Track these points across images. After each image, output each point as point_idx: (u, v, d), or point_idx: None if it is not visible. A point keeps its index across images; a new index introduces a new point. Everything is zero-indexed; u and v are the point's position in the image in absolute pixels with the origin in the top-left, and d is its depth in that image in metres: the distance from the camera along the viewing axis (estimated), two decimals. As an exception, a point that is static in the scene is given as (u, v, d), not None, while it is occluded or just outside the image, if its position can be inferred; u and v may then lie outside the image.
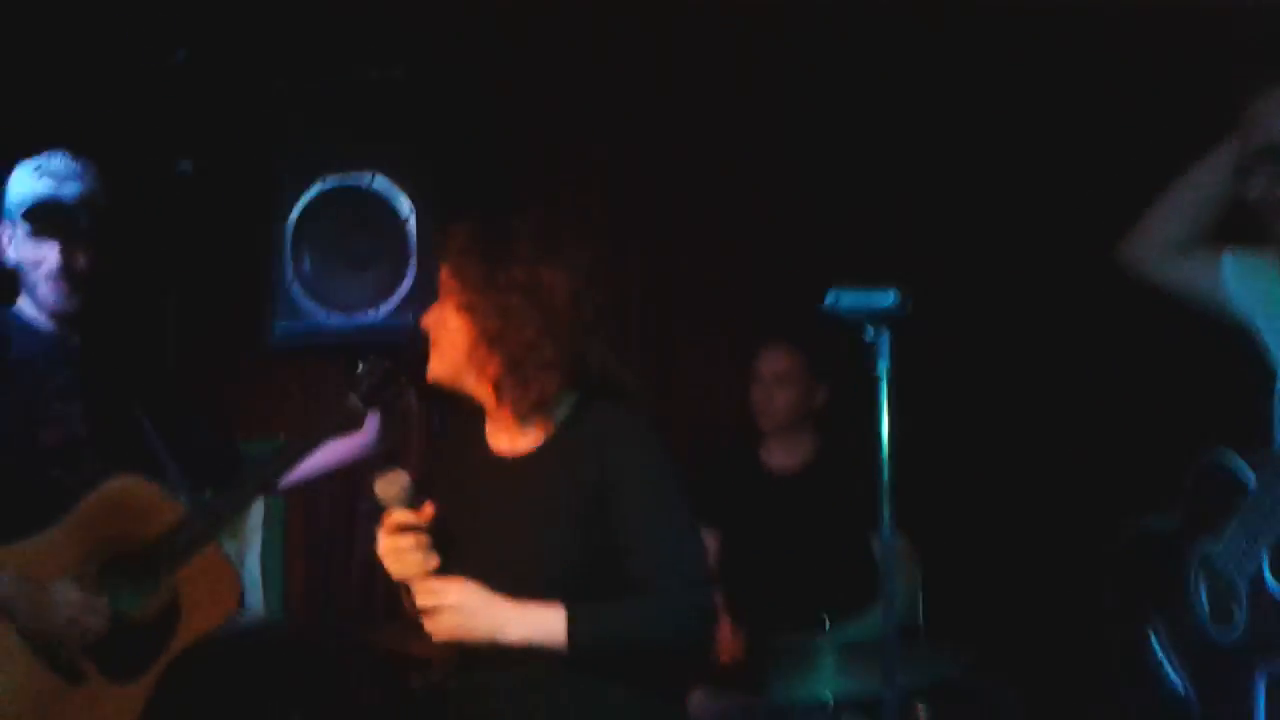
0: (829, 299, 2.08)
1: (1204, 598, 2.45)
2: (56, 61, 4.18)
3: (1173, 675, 2.53)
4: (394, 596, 4.07)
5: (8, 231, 3.10)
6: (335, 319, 4.04)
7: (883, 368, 2.07)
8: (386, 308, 3.99)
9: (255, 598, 4.41)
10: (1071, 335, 3.67)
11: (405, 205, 4.00)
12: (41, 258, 3.04)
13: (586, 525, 2.28)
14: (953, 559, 3.65)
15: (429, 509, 2.32)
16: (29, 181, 3.06)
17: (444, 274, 2.41)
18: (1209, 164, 2.65)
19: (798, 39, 3.94)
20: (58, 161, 3.09)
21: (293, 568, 4.45)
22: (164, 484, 3.08)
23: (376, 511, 2.32)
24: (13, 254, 3.09)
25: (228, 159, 4.44)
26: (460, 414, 2.48)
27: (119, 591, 2.95)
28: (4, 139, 3.89)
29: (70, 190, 3.06)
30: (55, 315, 3.07)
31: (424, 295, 3.94)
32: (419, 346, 2.43)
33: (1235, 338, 2.60)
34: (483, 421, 2.46)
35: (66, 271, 3.04)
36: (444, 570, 2.31)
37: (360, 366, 3.18)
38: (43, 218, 3.04)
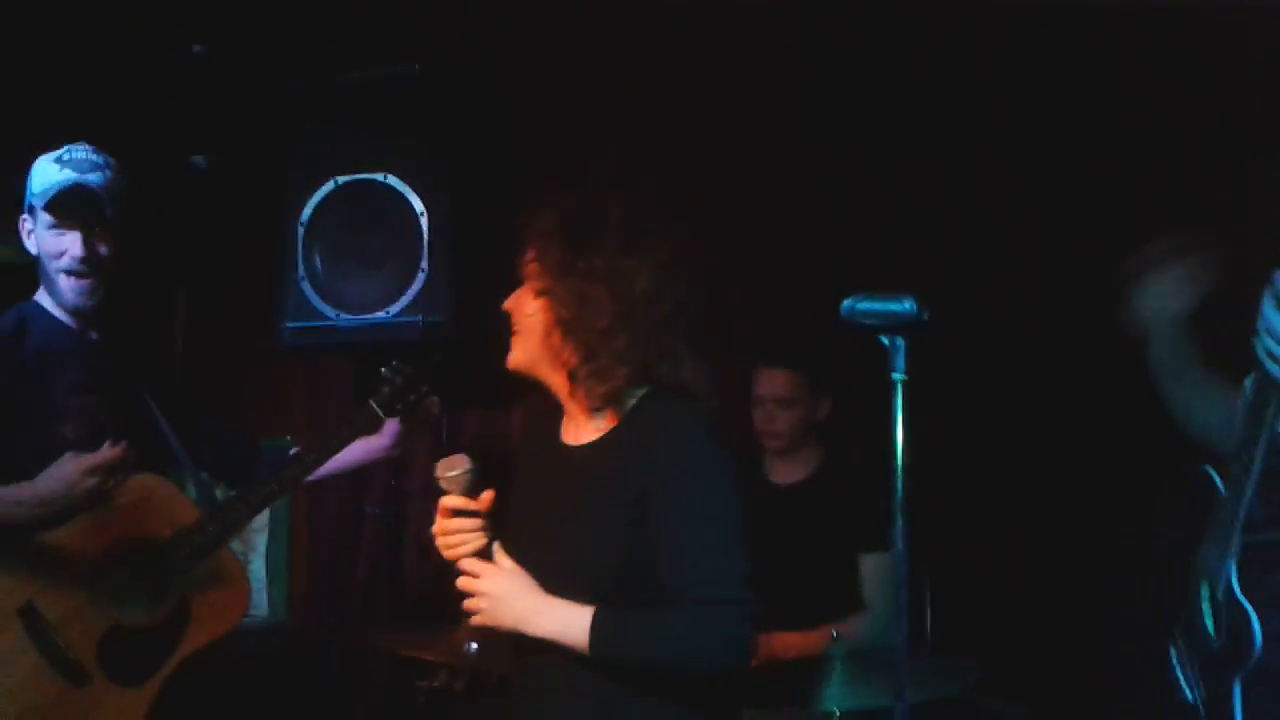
0: (845, 306, 2.05)
1: (1205, 607, 2.43)
2: (72, 56, 4.18)
3: (1185, 687, 2.49)
4: (399, 598, 4.14)
5: (28, 223, 3.08)
6: (346, 318, 4.03)
7: (899, 376, 2.03)
8: (397, 307, 3.98)
9: (260, 599, 4.40)
10: (1085, 346, 3.62)
11: (418, 203, 3.98)
12: (63, 248, 3.03)
13: (628, 527, 2.23)
14: (962, 571, 3.62)
15: (488, 496, 2.30)
16: (52, 171, 3.05)
17: (528, 260, 2.37)
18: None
19: (810, 43, 3.92)
20: (80, 152, 3.09)
21: (298, 569, 4.43)
22: (179, 477, 3.07)
23: (437, 493, 2.31)
24: (33, 245, 3.08)
25: (241, 155, 4.43)
26: (544, 403, 2.44)
27: (132, 591, 2.94)
28: (20, 133, 3.89)
29: (94, 179, 3.05)
30: (74, 309, 3.06)
31: (435, 295, 3.95)
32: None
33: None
34: (559, 412, 2.42)
35: (88, 261, 3.03)
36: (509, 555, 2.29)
37: (383, 371, 3.18)
38: (66, 206, 3.03)
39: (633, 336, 2.25)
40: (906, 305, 2.02)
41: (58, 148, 3.10)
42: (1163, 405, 3.49)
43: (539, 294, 2.32)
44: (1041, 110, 3.69)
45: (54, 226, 3.03)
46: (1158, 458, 3.39)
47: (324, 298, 4.05)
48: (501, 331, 4.12)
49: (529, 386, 4.14)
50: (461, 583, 2.28)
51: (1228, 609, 2.34)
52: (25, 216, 3.10)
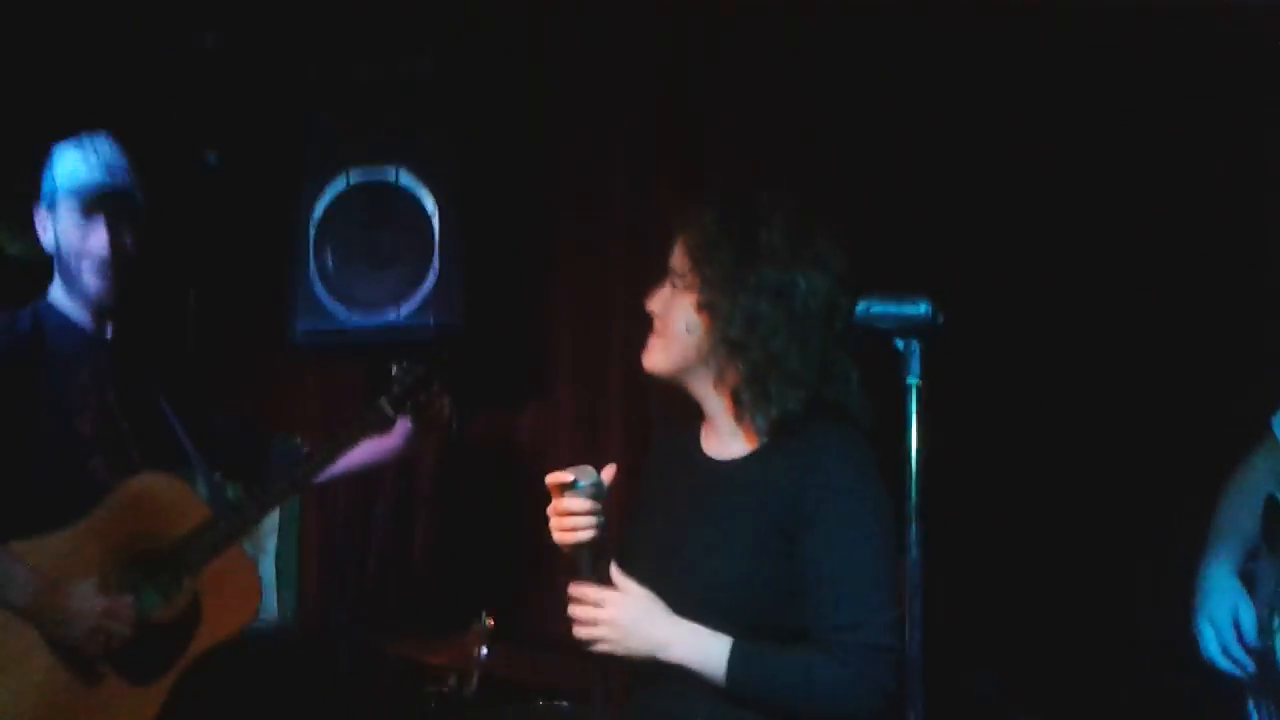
0: (859, 309, 2.00)
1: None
2: (82, 49, 4.16)
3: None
4: (408, 601, 4.13)
5: (45, 217, 3.05)
6: (357, 317, 4.00)
7: (913, 379, 1.99)
8: (409, 306, 3.95)
9: (269, 600, 4.38)
10: (1103, 349, 3.59)
11: (430, 203, 3.95)
12: (90, 245, 3.00)
13: (772, 556, 2.13)
14: (976, 578, 3.58)
15: (610, 472, 2.21)
16: (79, 163, 3.02)
17: (681, 261, 2.24)
18: None
19: (821, 43, 3.88)
20: (105, 145, 3.06)
21: (307, 570, 4.42)
22: (190, 475, 3.05)
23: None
24: (53, 240, 3.04)
25: (253, 152, 4.41)
26: (676, 410, 2.37)
27: (142, 590, 2.93)
28: (28, 127, 3.88)
29: (123, 175, 3.04)
30: (98, 306, 3.04)
31: (446, 295, 3.93)
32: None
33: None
34: (699, 420, 2.33)
35: (118, 256, 3.01)
36: (628, 570, 2.20)
37: (394, 370, 3.16)
38: (100, 200, 3.00)
39: (806, 358, 2.14)
40: (921, 308, 1.97)
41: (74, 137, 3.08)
42: (1180, 409, 3.47)
43: (702, 308, 2.19)
44: (1061, 110, 3.64)
45: (83, 222, 3.00)
46: (1178, 462, 3.39)
47: (335, 297, 4.02)
48: (523, 330, 4.15)
49: (540, 387, 4.19)
50: (577, 611, 2.15)
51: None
52: (43, 210, 3.06)
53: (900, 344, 1.97)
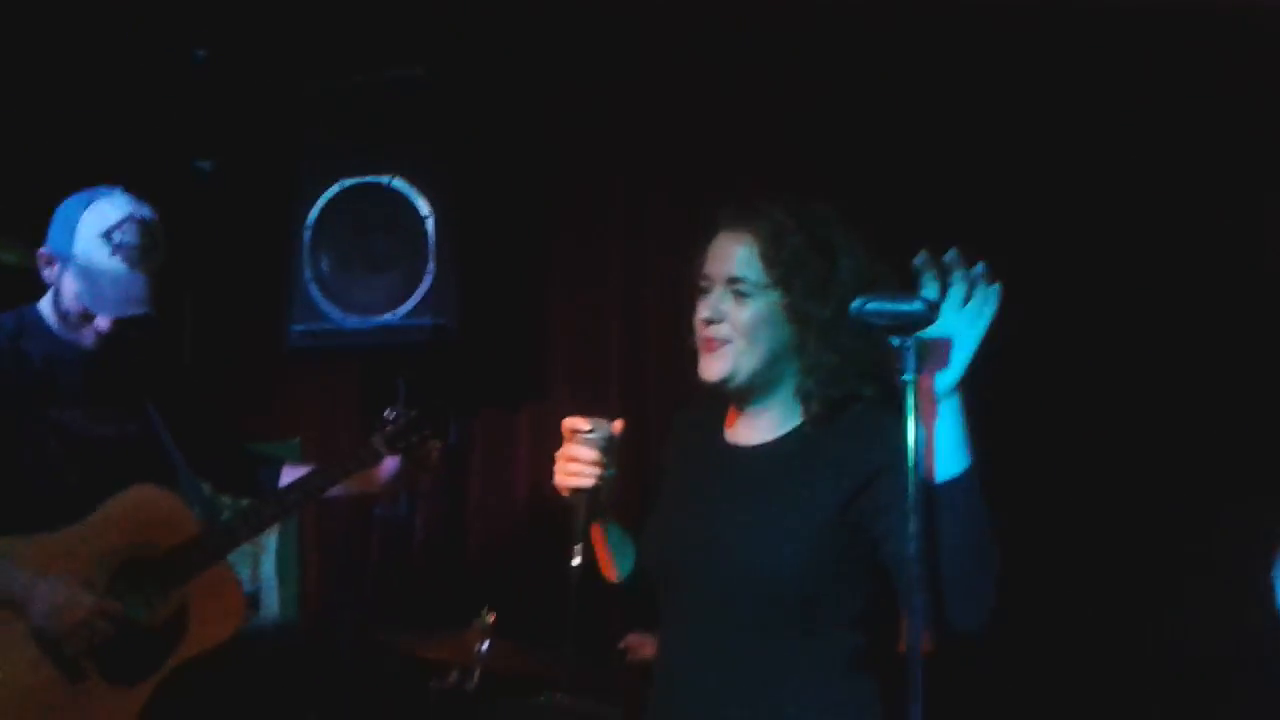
0: (854, 306, 2.04)
1: None
2: (78, 59, 4.18)
3: None
4: (409, 598, 4.15)
5: (58, 267, 3.03)
6: (353, 321, 4.03)
7: (910, 377, 2.02)
8: (404, 310, 3.98)
9: (270, 598, 4.41)
10: (1107, 345, 3.60)
11: (424, 206, 3.99)
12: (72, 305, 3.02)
13: (831, 530, 2.12)
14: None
15: (618, 425, 2.24)
16: (93, 235, 3.01)
17: (752, 268, 2.23)
18: None
19: (817, 45, 3.91)
20: (125, 197, 3.07)
21: (308, 568, 4.44)
22: (176, 486, 3.09)
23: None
24: (73, 285, 3.01)
25: (247, 159, 4.43)
26: (696, 402, 2.38)
27: (129, 598, 2.97)
28: (25, 140, 3.91)
29: (150, 218, 3.07)
30: (90, 326, 3.05)
31: (441, 297, 3.96)
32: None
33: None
34: (721, 409, 2.34)
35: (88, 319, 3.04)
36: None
37: (388, 412, 3.25)
38: (133, 248, 3.02)
39: (870, 351, 2.14)
40: (918, 305, 2.01)
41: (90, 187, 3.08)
42: (1178, 409, 3.48)
43: (791, 314, 2.20)
44: (1063, 103, 3.66)
45: (120, 263, 3.01)
46: (1176, 459, 3.42)
47: (331, 300, 4.06)
48: (519, 331, 4.15)
49: (536, 387, 4.21)
50: None
51: None
52: (55, 258, 3.03)
53: (896, 341, 2.01)
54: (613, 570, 2.39)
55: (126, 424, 3.09)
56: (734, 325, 2.23)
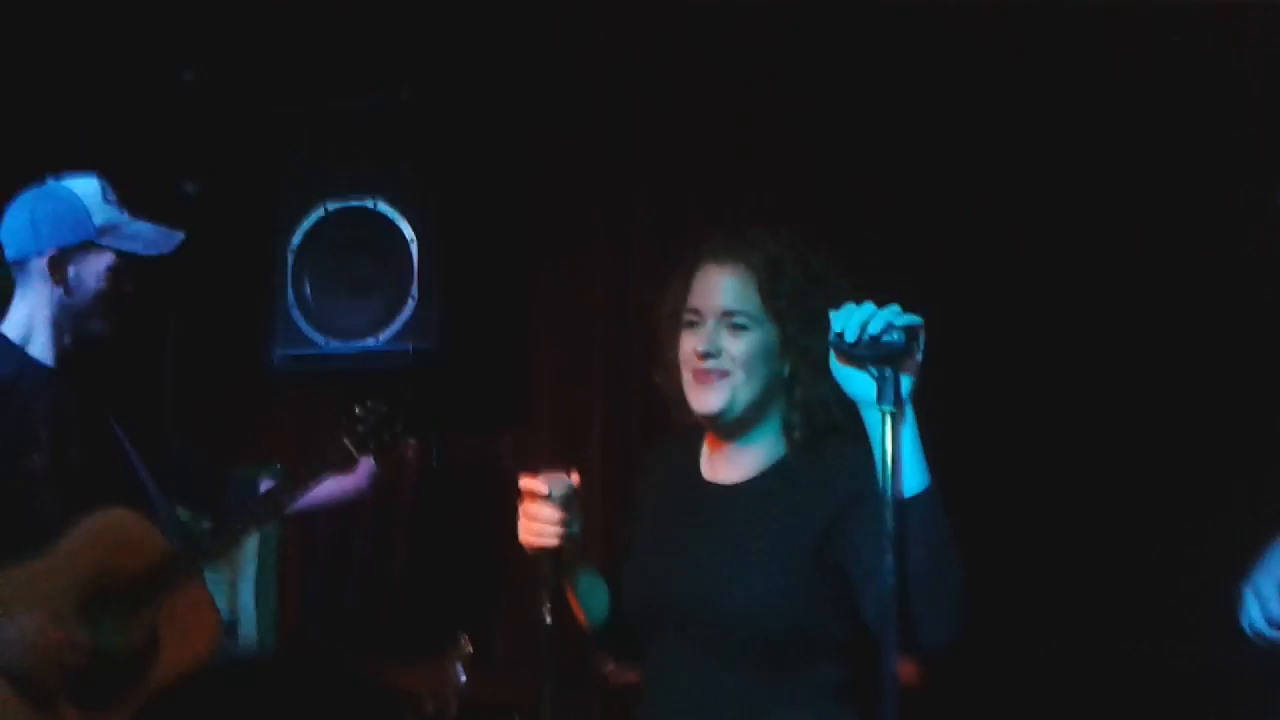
0: (832, 337, 2.03)
1: None
2: (62, 81, 4.17)
3: None
4: (387, 627, 4.13)
5: (83, 254, 3.04)
6: (336, 345, 4.02)
7: (887, 407, 2.00)
8: (387, 334, 3.97)
9: (248, 626, 4.38)
10: (1089, 354, 3.60)
11: (408, 230, 3.98)
12: (115, 287, 3.04)
13: (807, 566, 2.11)
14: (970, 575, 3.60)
15: (576, 479, 2.21)
16: (101, 205, 3.04)
17: (749, 300, 2.21)
18: None
19: (801, 53, 3.91)
20: (71, 176, 3.07)
21: (286, 596, 4.41)
22: (147, 508, 3.05)
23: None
24: (72, 280, 3.02)
25: (231, 181, 4.42)
26: (670, 439, 2.38)
27: (99, 624, 2.92)
28: (8, 158, 3.89)
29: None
30: (76, 341, 3.04)
31: (425, 321, 3.94)
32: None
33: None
34: (696, 446, 2.33)
35: (116, 296, 3.05)
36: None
37: (357, 409, 3.16)
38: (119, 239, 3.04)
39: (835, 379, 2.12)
40: (896, 337, 1.99)
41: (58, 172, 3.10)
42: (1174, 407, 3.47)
43: (789, 347, 2.20)
44: (1043, 109, 3.66)
45: (113, 267, 3.03)
46: (1169, 459, 3.41)
47: (314, 325, 4.04)
48: (503, 355, 4.15)
49: (519, 412, 4.20)
50: None
51: None
52: (71, 252, 3.03)
53: (875, 371, 2.00)
54: (585, 618, 2.36)
55: (92, 444, 3.05)
56: (732, 358, 2.21)
